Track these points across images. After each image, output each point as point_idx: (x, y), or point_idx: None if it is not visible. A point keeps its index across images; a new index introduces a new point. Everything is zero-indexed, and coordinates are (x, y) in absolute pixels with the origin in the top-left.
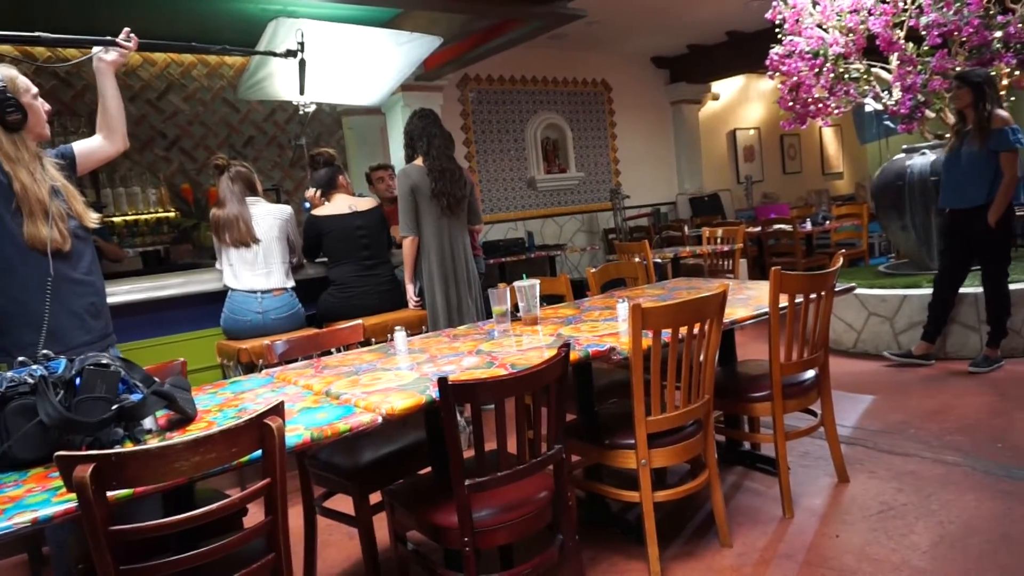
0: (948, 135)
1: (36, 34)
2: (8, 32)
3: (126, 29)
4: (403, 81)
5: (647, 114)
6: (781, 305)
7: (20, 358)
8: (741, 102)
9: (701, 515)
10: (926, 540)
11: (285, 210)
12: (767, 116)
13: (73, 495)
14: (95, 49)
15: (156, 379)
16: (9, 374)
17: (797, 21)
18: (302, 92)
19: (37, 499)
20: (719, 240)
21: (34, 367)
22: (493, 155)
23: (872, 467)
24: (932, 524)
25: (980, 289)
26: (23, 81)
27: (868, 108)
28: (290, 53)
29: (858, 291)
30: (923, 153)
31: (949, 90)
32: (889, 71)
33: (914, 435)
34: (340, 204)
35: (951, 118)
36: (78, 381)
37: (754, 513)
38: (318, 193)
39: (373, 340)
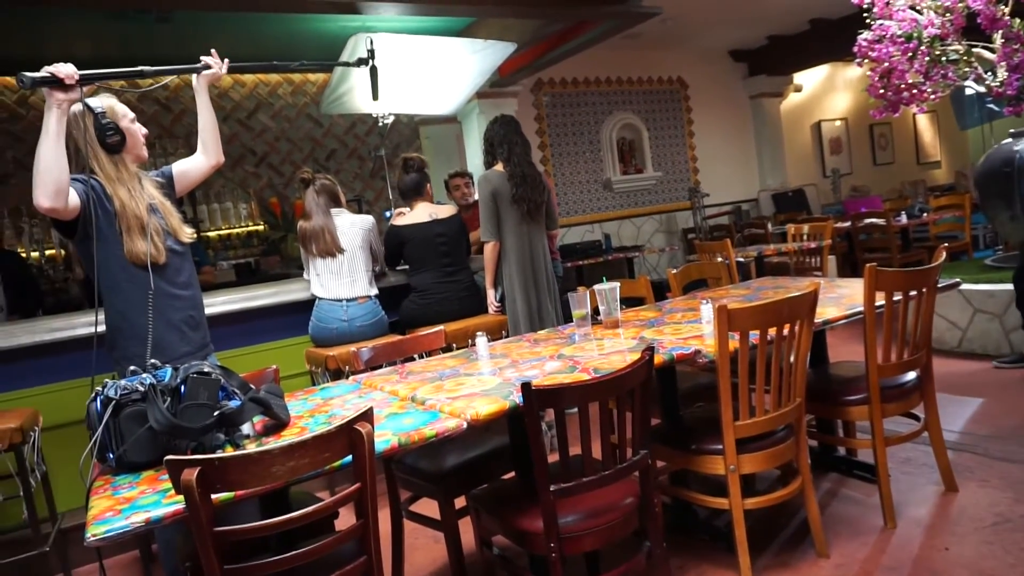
0: None
1: (139, 68)
2: (116, 70)
3: (212, 51)
4: (478, 89)
5: (726, 110)
6: (877, 303)
7: (131, 367)
8: (826, 92)
9: (795, 524)
10: None
11: (368, 220)
12: (854, 105)
13: (181, 497)
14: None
15: (252, 386)
16: (122, 382)
17: (887, 4)
18: (375, 98)
19: (149, 500)
20: (805, 237)
21: (143, 376)
22: (568, 158)
23: (983, 475)
24: None
25: None
26: (121, 107)
27: (969, 91)
28: (362, 61)
29: (963, 287)
30: None
31: None
32: (993, 50)
33: None
34: (420, 213)
35: None
36: (183, 389)
37: (852, 522)
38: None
39: (455, 345)
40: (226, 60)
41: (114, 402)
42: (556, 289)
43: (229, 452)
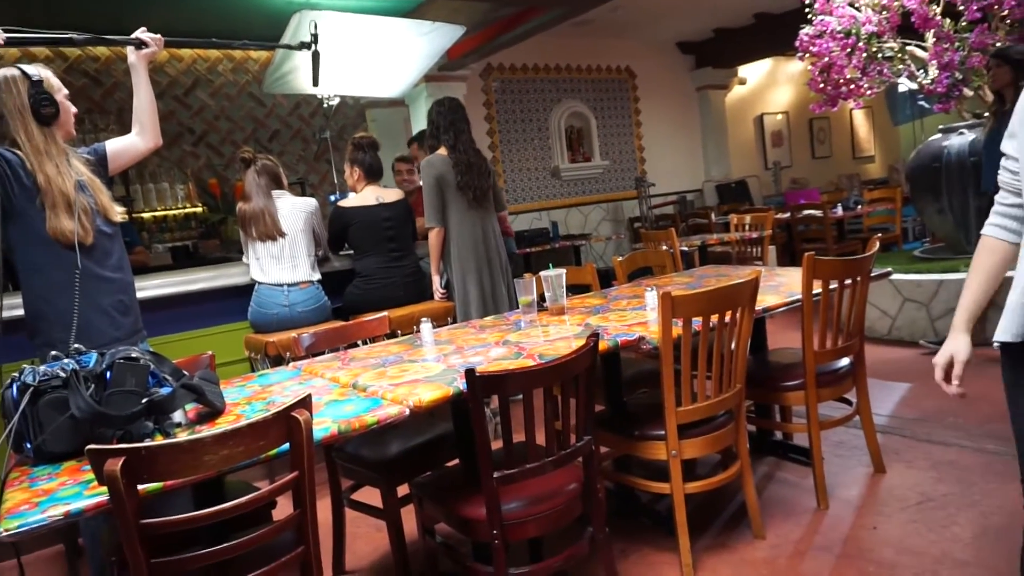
0: (986, 115)
1: (69, 35)
2: (43, 34)
3: (142, 29)
4: (426, 72)
5: (672, 101)
6: (814, 291)
7: (52, 352)
8: (769, 86)
9: (733, 506)
10: (968, 532)
11: (310, 203)
12: (795, 100)
13: (105, 488)
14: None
15: (185, 372)
16: (42, 368)
17: (828, 0)
18: (316, 84)
19: (70, 492)
20: (747, 227)
21: (65, 361)
22: (517, 145)
23: (909, 457)
24: (974, 515)
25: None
26: (56, 81)
27: (902, 88)
28: (304, 45)
29: (893, 277)
30: (961, 133)
31: (988, 68)
32: (925, 49)
33: (953, 423)
34: (367, 195)
35: (990, 96)
36: (108, 375)
37: (788, 504)
38: (357, 175)
39: (399, 332)
40: (161, 37)
41: (32, 388)
42: (509, 272)
43: (158, 441)
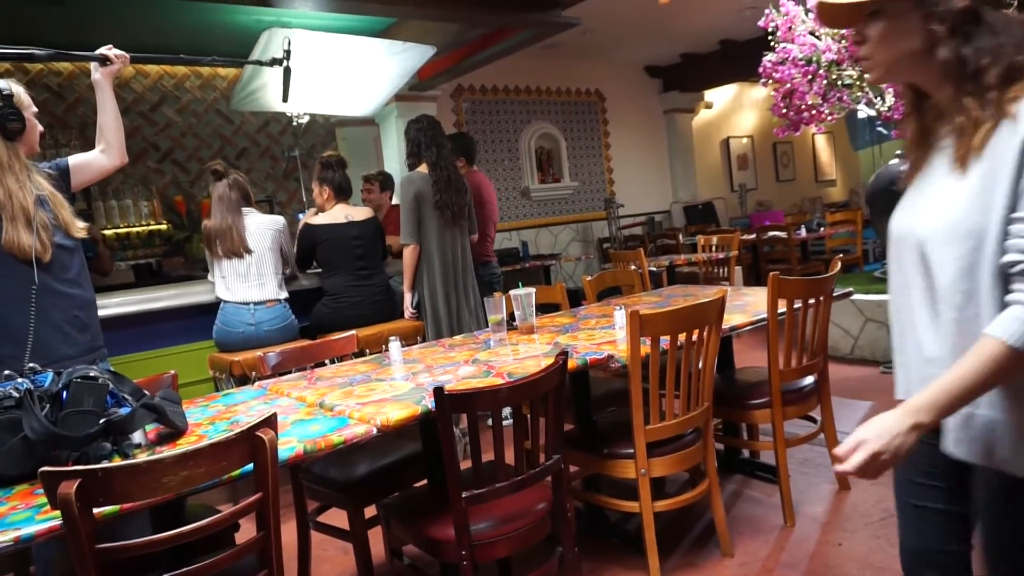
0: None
1: (30, 51)
2: (3, 49)
3: (108, 46)
4: (397, 91)
5: (641, 123)
6: (779, 311)
7: (6, 372)
8: (734, 110)
9: (702, 524)
10: None
11: (278, 221)
12: (760, 124)
13: (58, 512)
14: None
15: (146, 392)
16: None
17: (790, 28)
18: (285, 99)
19: (20, 517)
20: (714, 248)
21: (19, 380)
22: (487, 165)
23: None
24: None
25: None
26: (27, 97)
27: (861, 114)
28: (275, 61)
29: (855, 297)
30: None
31: None
32: None
33: None
34: (337, 213)
35: None
36: (65, 395)
37: (755, 522)
38: (327, 194)
39: (367, 351)
40: (126, 54)
41: None
42: (477, 294)
43: (116, 463)
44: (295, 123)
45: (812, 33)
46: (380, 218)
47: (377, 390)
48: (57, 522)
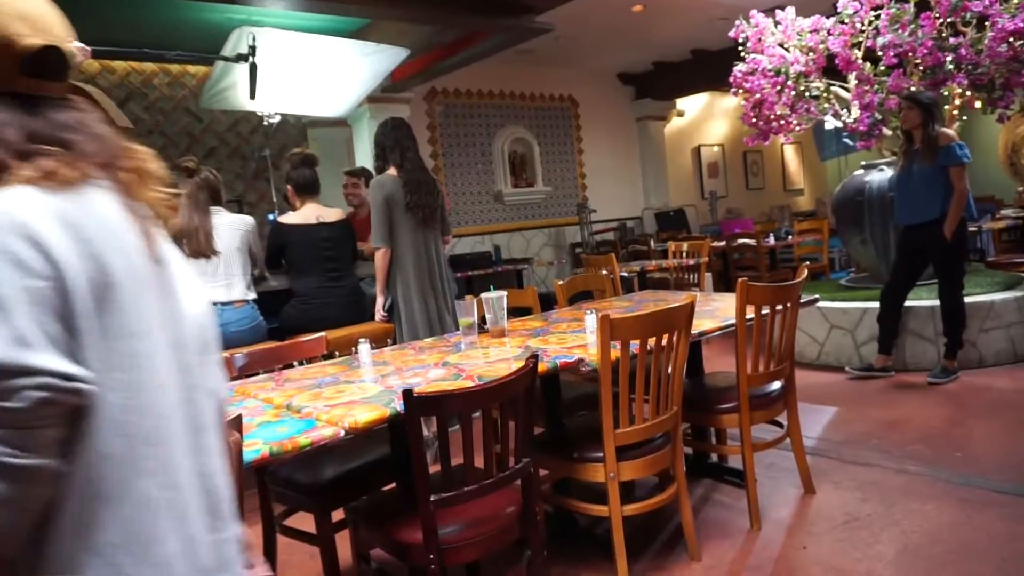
0: (894, 153)
1: None
2: None
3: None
4: (369, 93)
5: (613, 130)
6: (748, 316)
7: None
8: (705, 119)
9: (670, 528)
10: (891, 550)
11: (247, 221)
12: (731, 133)
13: None
14: None
15: None
16: None
17: (760, 40)
18: (252, 96)
19: None
20: (685, 254)
21: None
22: (460, 168)
23: (837, 478)
24: (896, 534)
25: (936, 302)
26: None
27: (828, 126)
28: (241, 57)
29: (821, 304)
30: (881, 169)
31: (900, 110)
32: (848, 90)
33: (876, 445)
34: (308, 213)
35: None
36: None
37: (722, 526)
38: (291, 191)
39: (337, 353)
40: (88, 47)
41: None
42: (452, 294)
43: None
44: (266, 123)
45: (781, 45)
46: (362, 216)
47: (346, 392)
48: None
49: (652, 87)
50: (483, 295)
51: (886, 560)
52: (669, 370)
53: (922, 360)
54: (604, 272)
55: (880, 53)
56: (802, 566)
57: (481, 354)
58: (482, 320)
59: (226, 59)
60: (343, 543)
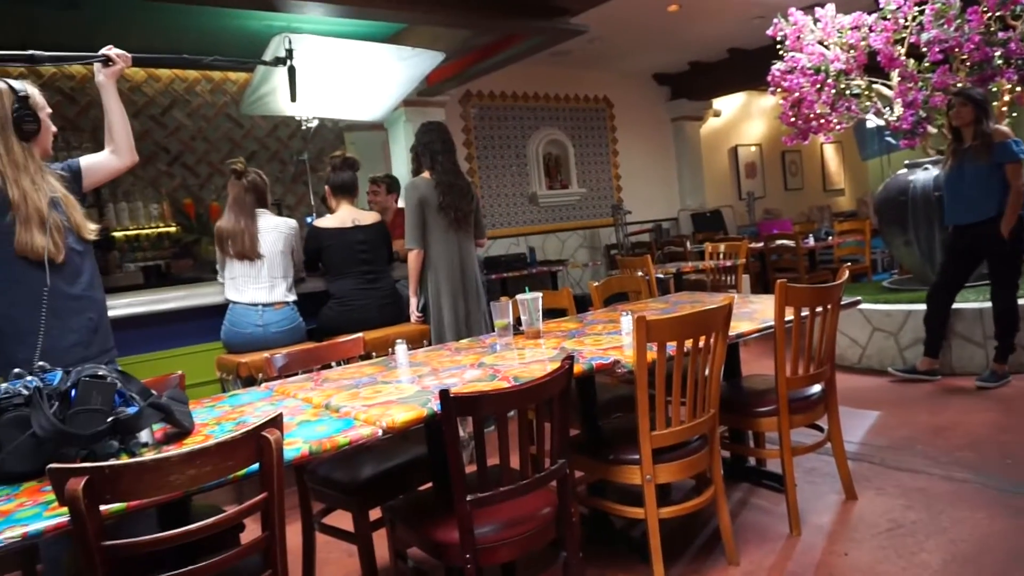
0: (939, 151)
1: (30, 52)
2: (4, 51)
3: (109, 47)
4: (405, 96)
5: (648, 130)
6: (786, 318)
7: (15, 370)
8: (742, 119)
9: (707, 532)
10: (937, 559)
11: (291, 224)
12: (768, 133)
13: (65, 509)
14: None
15: (153, 392)
16: (3, 386)
17: (798, 38)
18: (293, 99)
19: (28, 513)
20: (722, 255)
21: (29, 379)
22: (495, 171)
23: (880, 484)
24: (943, 542)
25: (986, 304)
26: (41, 99)
27: (870, 124)
28: (279, 61)
29: (862, 306)
30: (926, 168)
31: (949, 107)
32: (890, 87)
33: (922, 451)
34: (344, 216)
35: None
36: (73, 393)
37: (761, 530)
38: (329, 192)
39: (374, 354)
40: (128, 54)
41: None
42: (485, 298)
43: (123, 460)
44: (304, 127)
45: (821, 42)
46: (387, 221)
47: (383, 392)
48: (64, 519)
49: (688, 87)
50: (518, 296)
51: (932, 569)
52: (706, 372)
53: (969, 364)
54: (639, 274)
55: (924, 49)
56: (843, 573)
57: (516, 355)
58: (517, 322)
59: (263, 63)
60: (380, 541)
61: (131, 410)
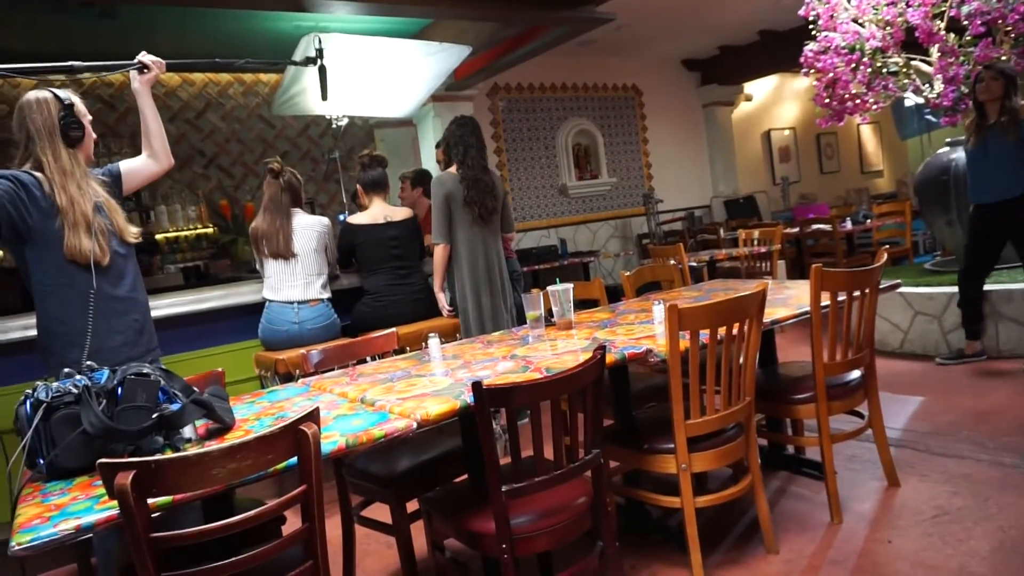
0: (964, 123)
1: (69, 63)
2: (40, 65)
3: (143, 53)
4: (434, 92)
5: (679, 117)
6: (823, 303)
7: (65, 369)
8: (775, 102)
9: (745, 521)
10: (986, 546)
11: (324, 222)
12: (802, 116)
13: (115, 502)
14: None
15: (195, 389)
16: (54, 385)
17: (832, 17)
18: (324, 98)
19: (81, 507)
20: (756, 242)
21: (78, 378)
22: (524, 163)
23: (924, 470)
24: (991, 529)
25: None
26: (83, 107)
27: (908, 102)
28: (309, 60)
29: (903, 289)
30: None
31: (978, 80)
32: (930, 63)
33: (967, 437)
34: (376, 212)
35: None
36: (120, 391)
37: (801, 519)
38: (360, 191)
39: (408, 349)
40: (162, 60)
41: (45, 405)
42: (511, 292)
43: (167, 455)
44: (334, 126)
45: (855, 20)
46: (419, 216)
47: (417, 386)
48: (115, 511)
49: (718, 72)
50: (549, 288)
51: (980, 556)
52: (740, 360)
53: (1017, 347)
54: (672, 262)
55: (965, 22)
56: (887, 561)
57: (548, 346)
58: (549, 313)
59: (294, 63)
60: (418, 533)
61: (174, 407)
